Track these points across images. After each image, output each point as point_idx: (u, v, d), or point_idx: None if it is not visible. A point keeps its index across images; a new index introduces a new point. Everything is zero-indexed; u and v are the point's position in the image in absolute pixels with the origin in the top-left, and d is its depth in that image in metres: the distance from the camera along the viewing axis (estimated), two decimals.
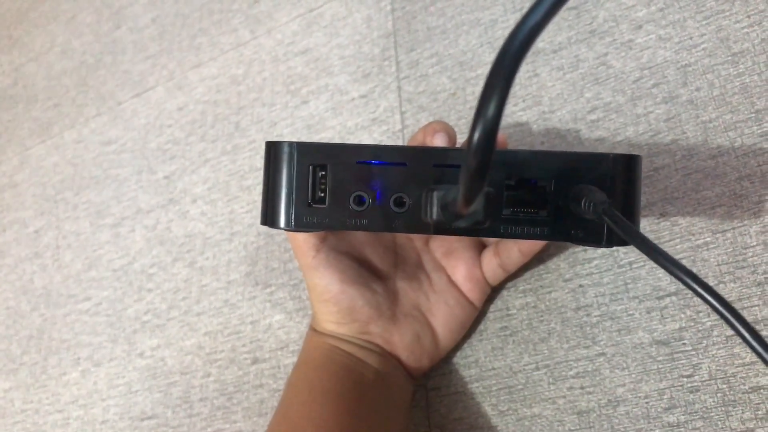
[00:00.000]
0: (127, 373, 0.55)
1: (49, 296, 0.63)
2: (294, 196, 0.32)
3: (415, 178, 0.31)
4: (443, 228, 0.31)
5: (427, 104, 0.51)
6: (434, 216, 0.31)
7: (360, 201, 0.32)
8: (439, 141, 0.37)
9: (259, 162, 0.57)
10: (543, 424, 0.38)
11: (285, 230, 0.34)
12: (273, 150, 0.33)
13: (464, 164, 0.21)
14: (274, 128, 0.58)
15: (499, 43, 0.50)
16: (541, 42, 0.49)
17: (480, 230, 0.32)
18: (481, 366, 0.42)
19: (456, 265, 0.41)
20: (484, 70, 0.50)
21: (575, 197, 0.30)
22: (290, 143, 0.32)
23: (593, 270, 0.40)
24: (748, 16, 0.42)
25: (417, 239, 0.42)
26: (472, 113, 0.49)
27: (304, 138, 0.56)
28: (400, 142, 0.51)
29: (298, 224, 0.32)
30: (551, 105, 0.46)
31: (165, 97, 0.67)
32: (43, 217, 0.69)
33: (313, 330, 0.41)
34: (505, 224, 0.32)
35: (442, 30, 0.53)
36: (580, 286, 0.40)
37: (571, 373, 0.39)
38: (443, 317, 0.40)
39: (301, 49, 0.60)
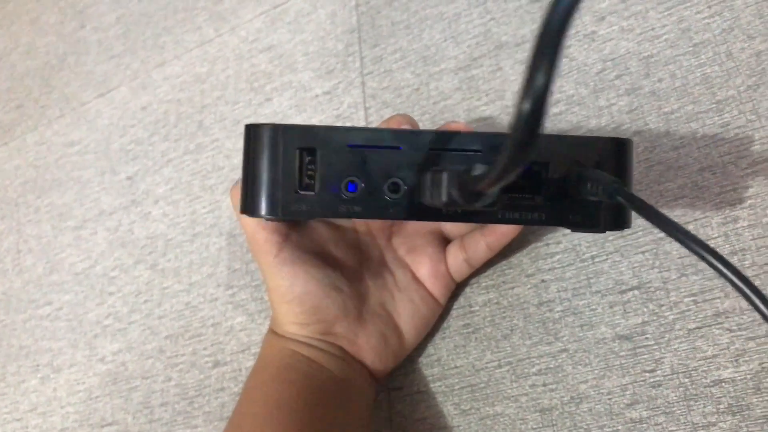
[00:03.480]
0: (87, 379, 0.54)
1: (8, 302, 0.62)
2: (280, 182, 0.30)
3: (411, 162, 0.30)
4: (444, 213, 0.30)
5: (391, 100, 0.50)
6: (444, 198, 0.28)
7: (352, 187, 0.30)
8: None
9: (222, 161, 0.56)
10: (505, 422, 0.38)
11: (268, 219, 0.33)
12: (255, 133, 0.30)
13: (510, 136, 0.19)
14: (237, 126, 0.57)
15: (464, 38, 0.49)
16: (504, 36, 0.48)
17: (477, 215, 0.31)
18: (443, 365, 0.41)
19: (420, 261, 0.40)
20: (448, 65, 0.49)
21: (578, 180, 0.29)
22: (275, 126, 0.30)
23: (555, 265, 0.40)
24: (709, 7, 0.41)
25: (379, 236, 0.40)
26: (435, 108, 0.48)
27: None
28: None
29: (285, 212, 0.30)
30: (514, 99, 0.46)
31: (129, 97, 0.66)
32: (3, 221, 0.67)
33: (273, 333, 0.39)
34: (502, 210, 0.30)
35: (405, 25, 0.53)
36: (543, 281, 0.39)
37: (534, 370, 0.38)
38: (409, 315, 0.39)
39: (265, 46, 0.59)
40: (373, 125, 0.50)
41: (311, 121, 0.53)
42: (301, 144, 0.30)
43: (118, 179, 0.62)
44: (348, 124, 0.52)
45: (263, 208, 0.30)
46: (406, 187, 0.30)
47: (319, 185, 0.30)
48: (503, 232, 0.37)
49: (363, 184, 0.30)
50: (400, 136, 0.30)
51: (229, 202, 0.54)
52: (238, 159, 0.55)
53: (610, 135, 0.41)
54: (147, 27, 0.69)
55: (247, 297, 0.49)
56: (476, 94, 0.47)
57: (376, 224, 0.40)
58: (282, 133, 0.30)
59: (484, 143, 0.30)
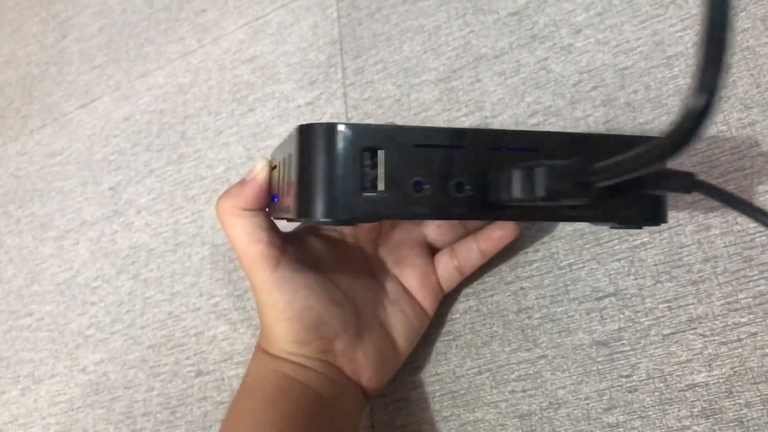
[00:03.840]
0: (68, 390, 0.54)
1: None
2: (343, 184, 0.28)
3: (474, 161, 0.29)
4: (509, 211, 0.30)
5: (373, 111, 0.51)
6: (540, 192, 0.27)
7: (420, 187, 0.29)
8: None
9: (205, 171, 0.56)
10: (486, 428, 0.38)
11: (329, 224, 0.31)
12: (315, 134, 0.29)
13: (674, 128, 0.19)
14: (219, 137, 0.58)
15: (444, 50, 0.50)
16: (483, 48, 0.49)
17: (540, 212, 0.30)
18: (424, 372, 0.41)
19: (409, 273, 0.40)
20: (428, 76, 0.50)
21: (651, 176, 0.29)
22: (335, 125, 0.28)
23: (534, 272, 0.40)
24: (681, 20, 0.43)
25: (367, 247, 0.40)
26: (416, 119, 0.49)
27: (251, 146, 0.55)
28: None
29: (356, 215, 0.28)
30: (493, 110, 0.46)
31: (111, 107, 0.66)
32: None
33: (264, 352, 0.37)
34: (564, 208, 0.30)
35: (386, 37, 0.53)
36: (522, 288, 0.40)
37: (513, 376, 0.38)
38: (402, 328, 0.39)
39: (248, 56, 0.60)
40: None
41: None
42: (365, 144, 0.29)
43: (101, 189, 0.62)
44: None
45: (326, 211, 0.28)
46: (470, 186, 0.29)
47: (387, 186, 0.29)
48: (499, 237, 0.38)
49: (428, 184, 0.29)
50: (461, 134, 0.29)
51: (212, 212, 0.54)
52: (220, 169, 0.56)
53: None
54: (129, 37, 0.70)
55: (230, 306, 0.49)
56: (456, 105, 0.48)
57: (363, 235, 0.40)
58: (343, 133, 0.29)
59: (540, 142, 0.30)
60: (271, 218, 0.35)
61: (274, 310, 0.35)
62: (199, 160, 0.57)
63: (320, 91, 0.55)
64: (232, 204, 0.34)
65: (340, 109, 0.53)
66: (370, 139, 0.28)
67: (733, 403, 0.33)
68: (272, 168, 0.35)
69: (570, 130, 0.43)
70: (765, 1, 0.40)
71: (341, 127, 0.28)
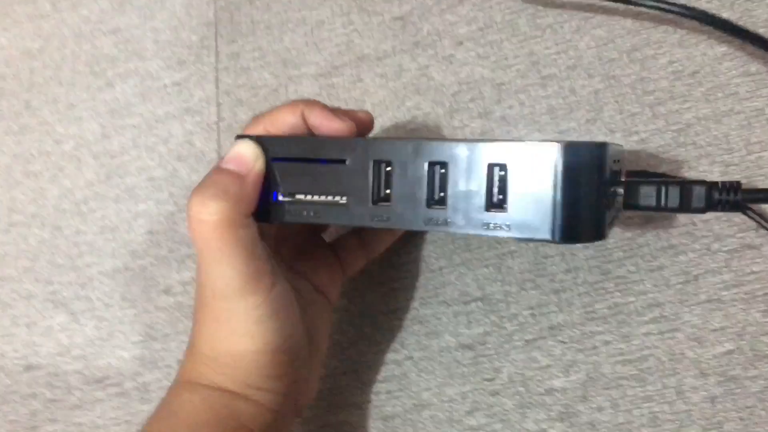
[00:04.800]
0: None
1: None
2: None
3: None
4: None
5: (247, 98, 0.49)
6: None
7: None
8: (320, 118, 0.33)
9: (51, 146, 0.51)
10: (348, 430, 0.37)
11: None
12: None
13: None
14: (71, 110, 0.52)
15: (325, 45, 0.49)
16: (367, 48, 0.48)
17: None
18: None
19: (316, 268, 0.36)
20: (308, 70, 0.49)
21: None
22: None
23: (405, 274, 0.40)
24: (557, 44, 0.45)
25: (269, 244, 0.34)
26: None
27: (107, 123, 0.51)
28: (213, 135, 0.48)
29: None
30: (373, 111, 0.46)
31: None
32: None
33: (206, 387, 0.31)
34: None
35: (266, 25, 0.51)
36: (392, 289, 0.40)
37: (379, 377, 0.38)
38: (325, 333, 0.35)
39: (111, 28, 0.55)
40: (226, 122, 0.48)
41: (157, 112, 0.50)
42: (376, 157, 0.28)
43: None
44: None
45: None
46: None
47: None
48: None
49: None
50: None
51: (57, 191, 0.49)
52: (70, 145, 0.51)
53: None
54: None
55: (71, 295, 0.45)
56: (336, 102, 0.47)
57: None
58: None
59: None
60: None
61: (258, 340, 0.29)
62: (44, 134, 0.52)
63: (189, 72, 0.52)
64: (233, 210, 0.27)
65: (211, 93, 0.50)
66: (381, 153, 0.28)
67: (587, 407, 0.35)
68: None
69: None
70: (631, 36, 0.44)
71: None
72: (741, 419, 0.33)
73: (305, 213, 0.29)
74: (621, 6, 0.43)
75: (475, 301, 0.38)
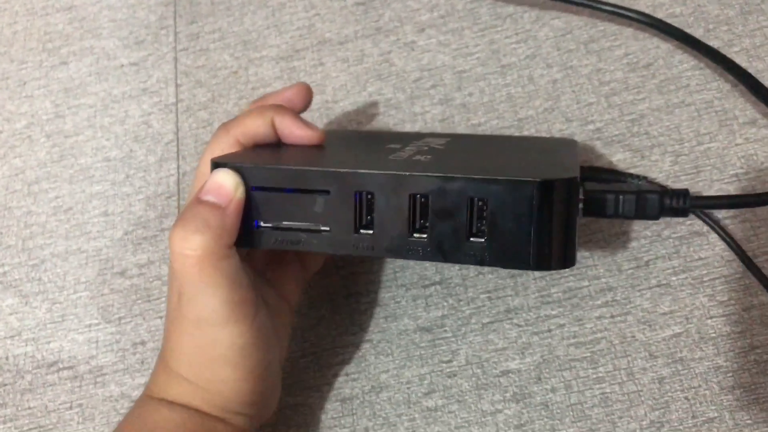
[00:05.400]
0: None
1: None
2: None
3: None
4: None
5: (206, 80, 0.48)
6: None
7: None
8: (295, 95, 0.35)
9: (1, 125, 0.50)
10: (306, 412, 0.37)
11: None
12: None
13: None
14: (22, 88, 0.51)
15: (287, 28, 0.49)
16: (328, 32, 0.48)
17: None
18: None
19: (284, 274, 0.35)
20: (269, 53, 0.48)
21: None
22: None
23: (365, 258, 0.40)
24: (516, 34, 0.46)
25: None
26: (254, 94, 0.47)
27: (61, 102, 0.50)
28: (172, 116, 0.47)
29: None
30: (335, 95, 0.46)
31: None
32: None
33: (179, 405, 0.31)
34: None
35: (227, 6, 0.51)
36: (352, 273, 0.40)
37: (337, 360, 0.38)
38: (287, 341, 0.35)
39: (64, 5, 0.54)
40: (184, 103, 0.48)
41: (113, 92, 0.49)
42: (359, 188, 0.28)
43: None
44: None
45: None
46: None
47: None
48: None
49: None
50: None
51: (6, 170, 0.48)
52: (21, 124, 0.49)
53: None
54: None
55: (22, 277, 0.44)
56: None
57: None
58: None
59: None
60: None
61: (240, 369, 0.29)
62: None
63: (148, 52, 0.51)
64: (216, 242, 0.27)
65: (169, 74, 0.49)
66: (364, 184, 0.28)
67: (540, 388, 0.36)
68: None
69: (408, 123, 0.44)
70: (588, 27, 0.45)
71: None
72: (686, 399, 0.34)
73: (286, 240, 0.29)
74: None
75: (433, 285, 0.39)
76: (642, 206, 0.34)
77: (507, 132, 0.42)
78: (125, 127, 0.48)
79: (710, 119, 0.41)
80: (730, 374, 0.34)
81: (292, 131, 0.32)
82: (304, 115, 0.34)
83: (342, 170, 0.27)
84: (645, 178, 0.38)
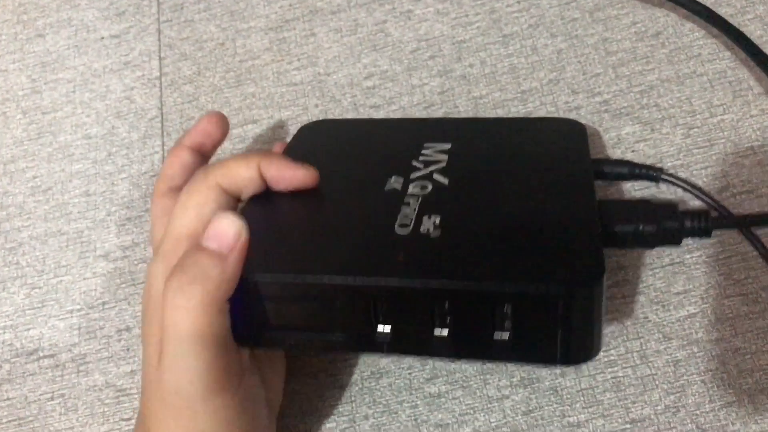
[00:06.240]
0: None
1: None
2: None
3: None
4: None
5: (191, 52, 0.46)
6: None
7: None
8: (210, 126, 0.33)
9: None
10: (302, 400, 0.35)
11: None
12: None
13: None
14: None
15: None
16: (320, 2, 0.46)
17: None
18: None
19: None
20: (258, 23, 0.46)
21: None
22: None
23: None
24: (518, 2, 0.43)
25: None
26: (242, 67, 0.45)
27: (38, 77, 0.47)
28: (156, 90, 0.45)
29: None
30: (327, 67, 0.44)
31: None
32: None
33: None
34: None
35: None
36: None
37: None
38: (280, 389, 0.33)
39: None
40: (169, 77, 0.45)
41: (93, 66, 0.47)
42: None
43: None
44: (158, 79, 0.46)
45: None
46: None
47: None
48: None
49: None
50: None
51: None
52: None
53: (414, 115, 0.41)
54: None
55: None
56: (287, 57, 0.44)
57: None
58: None
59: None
60: None
61: None
62: None
63: (129, 24, 0.48)
64: (213, 295, 0.25)
65: (153, 47, 0.47)
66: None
67: (549, 372, 0.34)
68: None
69: (405, 96, 0.42)
70: None
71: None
72: (703, 383, 0.32)
73: (300, 343, 0.28)
74: None
75: None
76: (662, 237, 0.31)
77: (510, 105, 0.40)
78: (106, 103, 0.45)
79: (723, 90, 0.39)
80: (749, 356, 0.32)
81: (283, 174, 0.29)
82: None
83: (357, 283, 0.25)
84: (661, 169, 0.36)
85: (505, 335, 0.25)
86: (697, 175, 0.37)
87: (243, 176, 0.29)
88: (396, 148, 0.35)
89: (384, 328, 0.26)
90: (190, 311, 0.24)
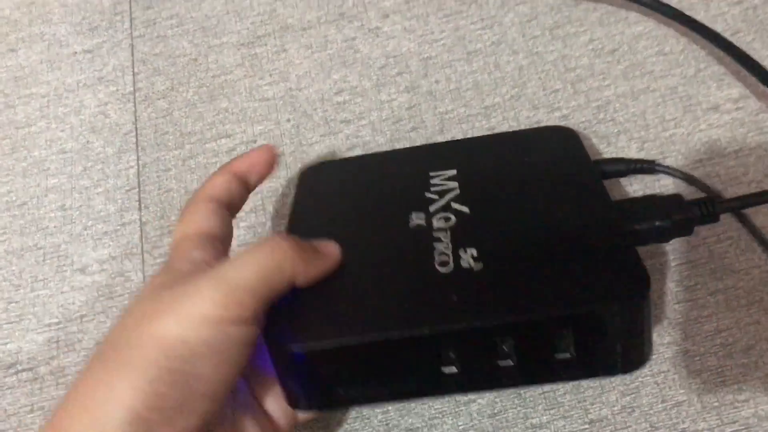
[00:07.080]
0: None
1: None
2: None
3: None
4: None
5: (164, 67, 0.47)
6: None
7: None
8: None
9: None
10: None
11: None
12: None
13: None
14: None
15: (247, 14, 0.47)
16: (290, 18, 0.47)
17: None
18: None
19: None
20: (230, 39, 0.47)
21: None
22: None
23: None
24: (482, 20, 0.45)
25: None
26: (215, 82, 0.46)
27: (11, 91, 0.47)
28: (130, 105, 0.46)
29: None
30: (298, 83, 0.45)
31: None
32: None
33: None
34: None
35: None
36: None
37: None
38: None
39: None
40: (142, 92, 0.46)
41: (67, 81, 0.47)
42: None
43: None
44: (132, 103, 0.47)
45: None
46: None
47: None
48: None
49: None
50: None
51: None
52: None
53: (383, 131, 0.43)
54: None
55: None
56: (259, 73, 0.46)
57: None
58: None
59: None
60: None
61: None
62: None
63: (102, 39, 0.49)
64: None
65: (126, 62, 0.47)
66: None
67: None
68: None
69: (375, 111, 0.43)
70: (553, 12, 0.44)
71: None
72: (656, 384, 0.34)
73: (371, 396, 0.28)
74: None
75: None
76: (677, 230, 0.33)
77: (474, 120, 0.42)
78: (81, 118, 0.46)
79: (674, 105, 0.41)
80: (697, 358, 0.35)
81: (308, 273, 0.27)
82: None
83: (422, 333, 0.25)
84: (653, 162, 0.38)
85: (568, 356, 0.26)
86: (650, 187, 0.39)
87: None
88: (404, 182, 0.35)
89: (450, 369, 0.26)
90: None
